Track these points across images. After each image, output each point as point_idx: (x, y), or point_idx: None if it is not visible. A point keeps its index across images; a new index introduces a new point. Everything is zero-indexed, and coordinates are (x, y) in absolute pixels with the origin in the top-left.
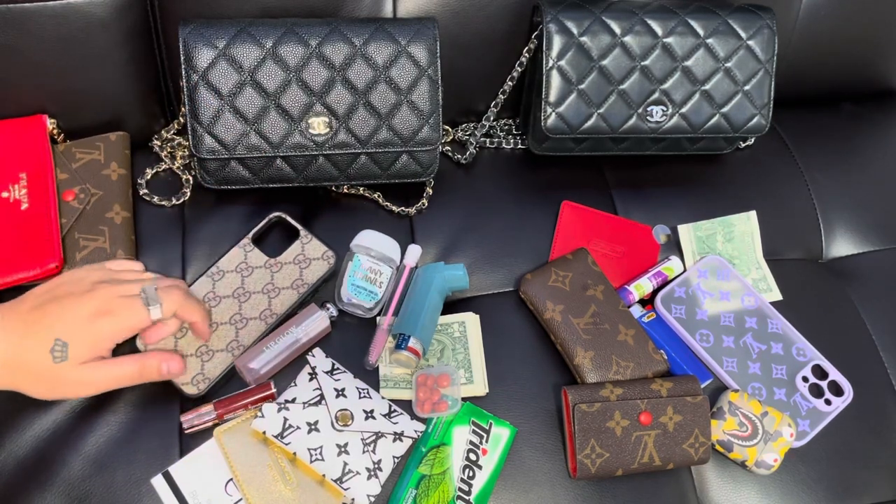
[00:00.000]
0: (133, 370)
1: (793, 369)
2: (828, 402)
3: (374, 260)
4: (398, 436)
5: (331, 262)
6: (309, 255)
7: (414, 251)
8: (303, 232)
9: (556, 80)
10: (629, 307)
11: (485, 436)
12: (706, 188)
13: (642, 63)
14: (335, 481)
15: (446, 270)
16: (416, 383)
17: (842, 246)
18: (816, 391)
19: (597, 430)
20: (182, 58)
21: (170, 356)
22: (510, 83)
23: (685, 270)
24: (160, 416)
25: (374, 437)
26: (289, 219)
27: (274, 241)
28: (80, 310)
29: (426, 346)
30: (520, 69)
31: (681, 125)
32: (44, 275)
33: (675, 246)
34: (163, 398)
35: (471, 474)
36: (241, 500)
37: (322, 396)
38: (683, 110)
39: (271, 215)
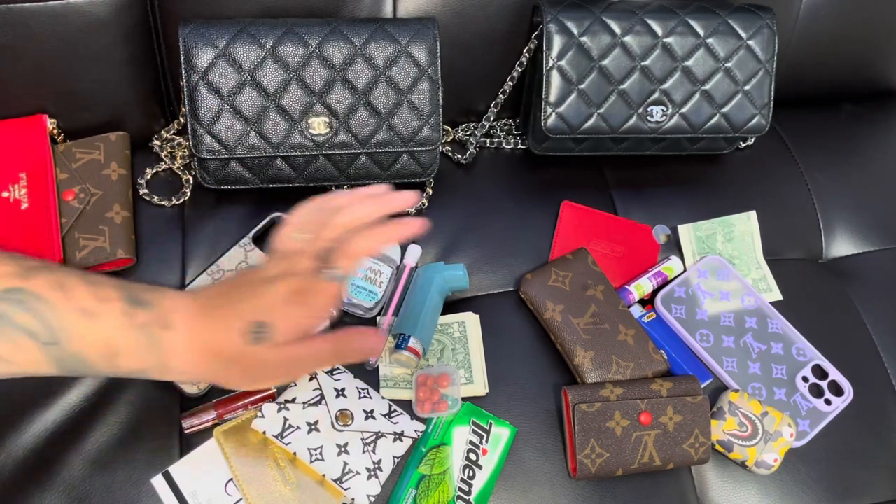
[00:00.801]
0: (329, 349)
1: (793, 369)
2: (828, 402)
3: (374, 260)
4: (398, 436)
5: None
6: None
7: (414, 251)
8: None
9: (556, 80)
10: (629, 307)
11: (485, 436)
12: (706, 188)
13: (642, 63)
14: (335, 481)
15: (446, 270)
16: (415, 383)
17: (842, 246)
18: (816, 391)
19: (597, 430)
20: (182, 58)
21: (367, 331)
22: (510, 83)
23: (685, 270)
24: (160, 416)
25: (374, 437)
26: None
27: None
28: (273, 285)
29: (426, 345)
30: (520, 69)
31: (681, 125)
32: None
33: (675, 246)
34: (162, 398)
35: (471, 474)
36: (241, 500)
37: (322, 396)
38: (683, 110)
39: (272, 215)
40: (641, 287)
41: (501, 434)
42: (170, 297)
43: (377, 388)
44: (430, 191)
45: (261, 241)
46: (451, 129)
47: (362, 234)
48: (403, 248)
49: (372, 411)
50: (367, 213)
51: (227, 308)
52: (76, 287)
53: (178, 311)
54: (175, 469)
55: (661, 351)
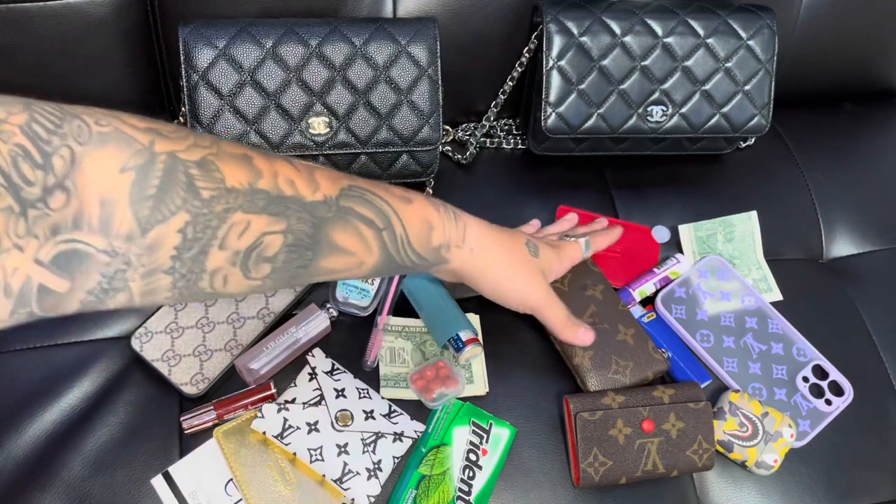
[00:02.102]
0: (565, 315)
1: (793, 369)
2: (828, 402)
3: None
4: (398, 436)
5: None
6: None
7: None
8: None
9: (556, 80)
10: (629, 307)
11: (485, 436)
12: (706, 188)
13: (642, 63)
14: (335, 481)
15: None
16: (411, 383)
17: (842, 246)
18: (817, 391)
19: (599, 438)
20: (182, 58)
21: (589, 330)
22: (510, 83)
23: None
24: (160, 416)
25: (373, 438)
26: None
27: None
28: (535, 236)
29: (470, 326)
30: (520, 69)
31: (681, 125)
32: None
33: (675, 246)
34: (162, 398)
35: (471, 475)
36: (241, 500)
37: (322, 397)
38: (683, 110)
39: None
40: (645, 292)
41: (501, 434)
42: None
43: (377, 389)
44: (430, 191)
45: None
46: (451, 129)
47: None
48: None
49: (372, 411)
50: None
51: (498, 227)
52: (386, 184)
53: (462, 212)
54: (175, 469)
55: (662, 349)
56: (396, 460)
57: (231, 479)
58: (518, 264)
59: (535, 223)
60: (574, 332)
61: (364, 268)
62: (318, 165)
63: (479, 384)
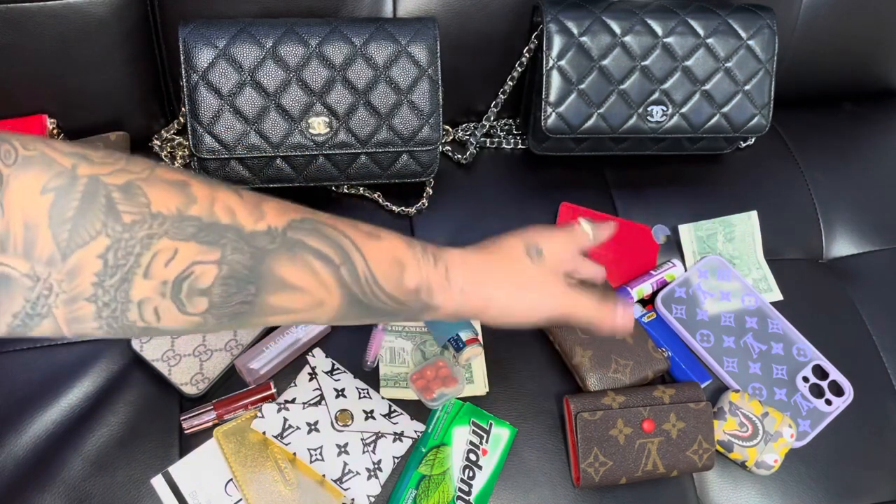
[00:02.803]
0: (595, 307)
1: (793, 369)
2: (828, 402)
3: None
4: (398, 436)
5: None
6: None
7: None
8: None
9: (556, 80)
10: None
11: (485, 436)
12: (706, 188)
13: (642, 63)
14: (335, 481)
15: None
16: (411, 383)
17: (842, 246)
18: (817, 391)
19: (599, 438)
20: (182, 58)
21: (627, 309)
22: (510, 83)
23: (686, 271)
24: (160, 416)
25: (373, 438)
26: None
27: None
28: (536, 229)
29: (469, 326)
30: (520, 69)
31: (681, 125)
32: None
33: (675, 246)
34: (162, 398)
35: (471, 475)
36: (241, 500)
37: (322, 396)
38: (684, 110)
39: None
40: (642, 291)
41: (501, 434)
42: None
43: (377, 389)
44: (430, 191)
45: None
46: (451, 129)
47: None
48: None
49: (372, 411)
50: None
51: (494, 240)
52: (354, 221)
53: (446, 248)
54: (175, 469)
55: (662, 348)
56: (396, 460)
57: (231, 479)
58: (524, 281)
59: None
60: (612, 318)
61: (327, 309)
62: (271, 198)
63: (479, 384)
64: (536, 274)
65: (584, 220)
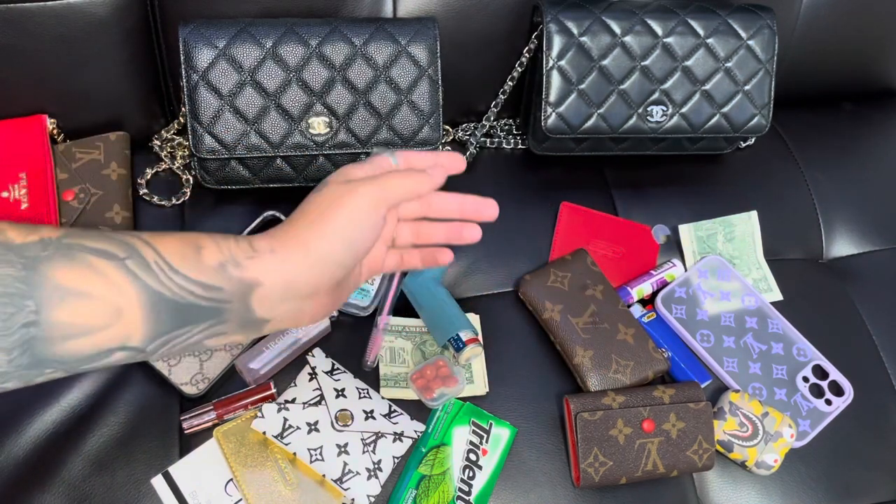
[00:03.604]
0: (406, 180)
1: (793, 369)
2: (828, 402)
3: None
4: (398, 436)
5: None
6: None
7: None
8: None
9: (556, 80)
10: (629, 307)
11: (485, 436)
12: (706, 188)
13: (642, 63)
14: (335, 481)
15: (425, 270)
16: (412, 382)
17: (842, 246)
18: (817, 391)
19: (599, 438)
20: (182, 58)
21: (440, 165)
22: (510, 83)
23: (686, 271)
24: (160, 416)
25: (373, 438)
26: (283, 218)
27: None
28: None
29: (470, 326)
30: (520, 69)
31: (681, 125)
32: None
33: (675, 246)
34: (162, 398)
35: (471, 475)
36: (240, 500)
37: (322, 396)
38: (684, 110)
39: (265, 214)
40: (642, 291)
41: (501, 434)
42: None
43: (377, 389)
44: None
45: None
46: (451, 129)
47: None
48: None
49: (372, 411)
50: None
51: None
52: (142, 232)
53: (259, 236)
54: (175, 469)
55: (662, 349)
56: (396, 460)
57: (231, 479)
58: (327, 207)
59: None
60: (427, 183)
61: (130, 317)
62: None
63: (479, 384)
64: (338, 189)
65: (389, 153)
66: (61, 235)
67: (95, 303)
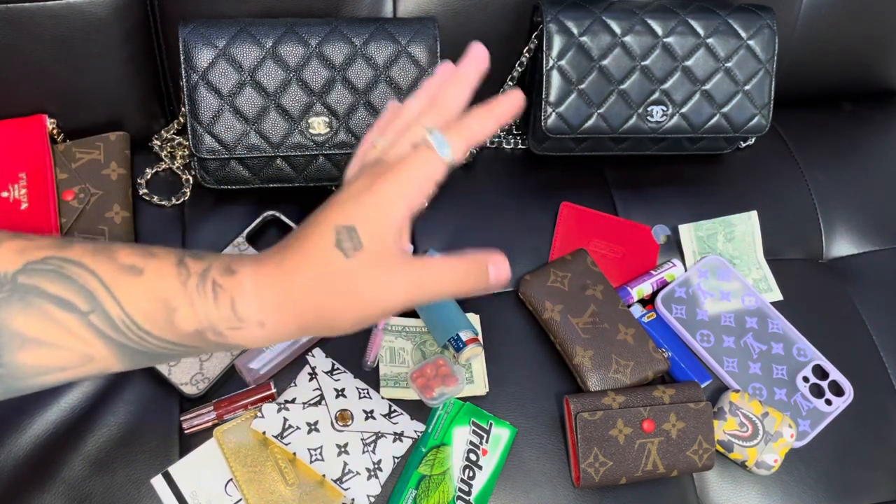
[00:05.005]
0: (458, 269)
1: (793, 369)
2: (828, 402)
3: None
4: (398, 436)
5: None
6: None
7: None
8: None
9: (556, 80)
10: (629, 307)
11: (485, 436)
12: (706, 188)
13: (642, 63)
14: (335, 481)
15: None
16: (412, 381)
17: (842, 246)
18: (817, 391)
19: (599, 438)
20: (182, 58)
21: (500, 258)
22: (510, 83)
23: (686, 271)
24: (160, 416)
25: (373, 438)
26: (283, 218)
27: (270, 240)
28: (349, 189)
29: (470, 326)
30: (520, 69)
31: (681, 125)
32: None
33: (675, 246)
34: (162, 398)
35: (471, 475)
36: (240, 500)
37: (322, 396)
38: (684, 110)
39: (265, 214)
40: (642, 291)
41: (501, 434)
42: (226, 253)
43: (377, 389)
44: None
45: (255, 240)
46: None
47: (472, 115)
48: None
49: (372, 411)
50: (465, 96)
51: (300, 233)
52: (119, 250)
53: (238, 260)
54: (175, 469)
55: (662, 349)
56: (396, 460)
57: (231, 479)
58: (340, 289)
59: (393, 106)
60: (481, 282)
61: (102, 361)
62: (18, 235)
63: (479, 384)
64: (353, 270)
65: (434, 138)
66: (18, 271)
67: (63, 352)
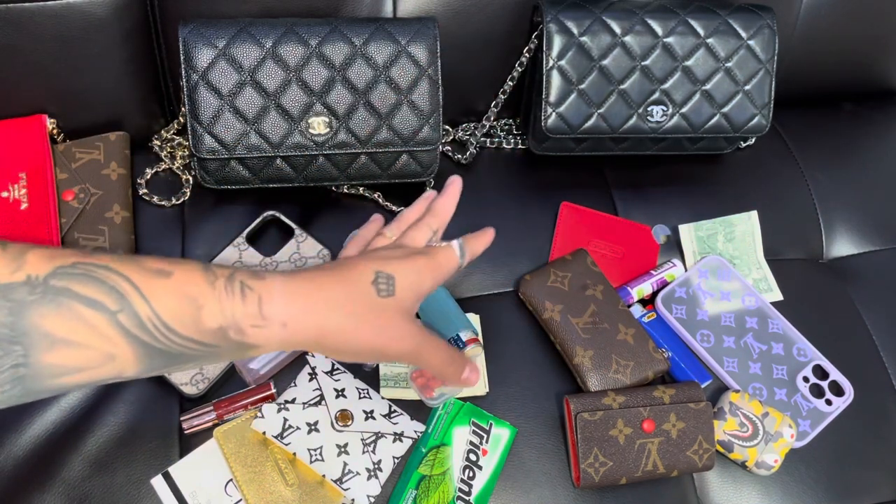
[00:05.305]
0: (447, 354)
1: (793, 369)
2: (828, 402)
3: None
4: (398, 436)
5: (326, 261)
6: (304, 253)
7: None
8: (297, 231)
9: (556, 80)
10: (629, 307)
11: (485, 436)
12: (706, 188)
13: (642, 63)
14: (335, 482)
15: None
16: (412, 381)
17: (842, 246)
18: (817, 391)
19: (599, 438)
20: (182, 58)
21: (475, 366)
22: (510, 83)
23: (686, 271)
24: (160, 416)
25: (373, 438)
26: (283, 217)
27: (270, 240)
28: (393, 251)
29: (470, 326)
30: (520, 69)
31: (681, 125)
32: None
33: (675, 246)
34: (162, 398)
35: (471, 475)
36: (240, 500)
37: (322, 397)
38: (684, 110)
39: (265, 214)
40: (642, 291)
41: (501, 434)
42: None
43: (377, 389)
44: (431, 191)
45: (255, 240)
46: (451, 129)
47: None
48: None
49: (372, 411)
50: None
51: (335, 264)
52: (144, 258)
53: (264, 270)
54: (175, 469)
55: (662, 349)
56: (396, 460)
57: (231, 479)
58: (365, 311)
59: (377, 219)
60: (458, 373)
61: (123, 363)
62: (41, 246)
63: (479, 384)
64: (383, 312)
65: (457, 243)
66: (48, 275)
67: (86, 351)
